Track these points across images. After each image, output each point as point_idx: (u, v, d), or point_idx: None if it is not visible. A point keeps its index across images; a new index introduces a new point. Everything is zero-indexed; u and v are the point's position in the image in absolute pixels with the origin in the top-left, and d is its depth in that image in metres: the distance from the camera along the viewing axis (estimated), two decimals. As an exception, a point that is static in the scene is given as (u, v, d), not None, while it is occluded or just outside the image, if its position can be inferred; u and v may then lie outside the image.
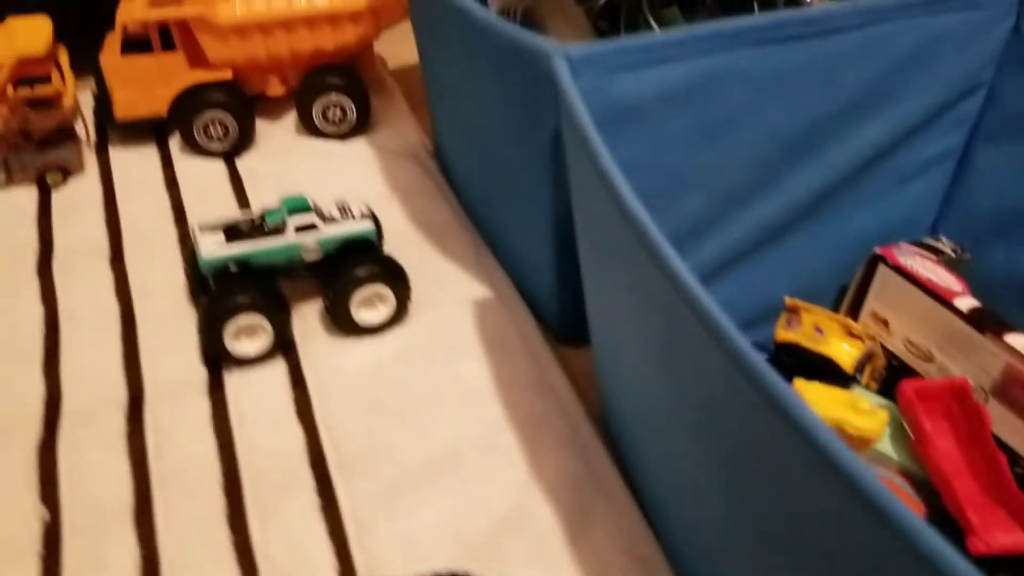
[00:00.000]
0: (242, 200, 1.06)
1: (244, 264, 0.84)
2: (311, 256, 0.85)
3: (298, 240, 0.84)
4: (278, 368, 0.85)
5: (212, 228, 0.84)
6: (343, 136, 1.15)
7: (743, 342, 0.43)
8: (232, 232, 0.84)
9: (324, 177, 1.09)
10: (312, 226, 0.84)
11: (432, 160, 1.13)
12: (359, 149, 1.14)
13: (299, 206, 0.85)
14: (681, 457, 0.58)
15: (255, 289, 0.82)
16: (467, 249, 0.98)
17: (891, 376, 0.76)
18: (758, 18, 0.66)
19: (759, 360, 0.42)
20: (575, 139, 0.59)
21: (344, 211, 0.87)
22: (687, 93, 0.66)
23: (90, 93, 1.21)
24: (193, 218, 1.03)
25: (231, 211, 1.04)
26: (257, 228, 0.85)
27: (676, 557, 0.68)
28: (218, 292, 0.81)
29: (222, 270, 0.83)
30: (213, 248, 0.82)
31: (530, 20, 0.82)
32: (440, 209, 1.04)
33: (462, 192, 1.05)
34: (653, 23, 0.80)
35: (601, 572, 0.68)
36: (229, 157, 1.12)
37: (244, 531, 0.71)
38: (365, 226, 0.86)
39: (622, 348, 0.63)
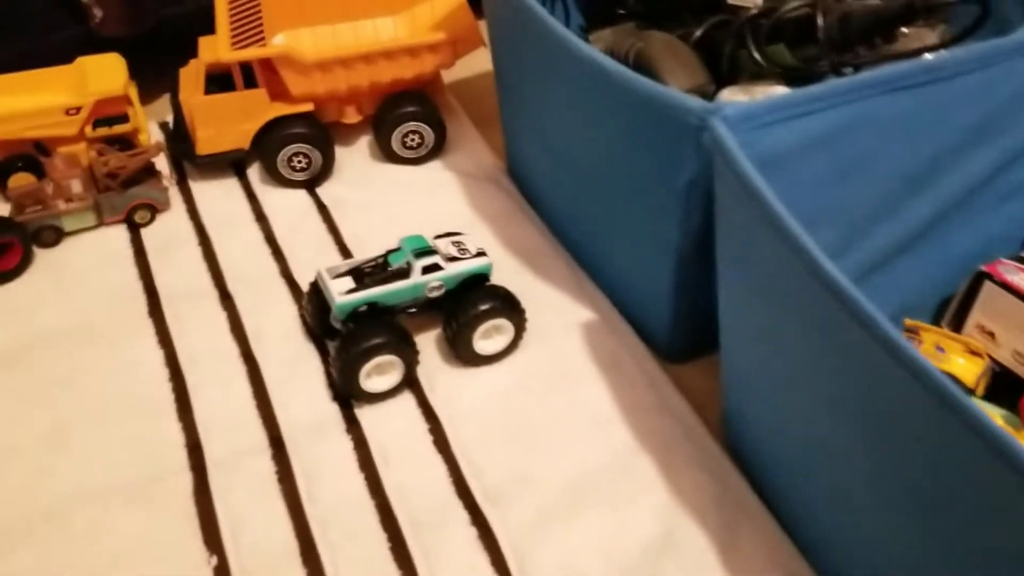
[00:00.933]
0: (332, 230, 1.08)
1: (372, 304, 0.87)
2: (434, 294, 0.89)
3: (424, 280, 0.87)
4: (407, 401, 0.88)
5: (339, 273, 0.87)
6: (419, 160, 1.18)
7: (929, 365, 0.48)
8: (358, 275, 0.87)
9: (410, 204, 1.11)
10: (437, 266, 0.88)
11: (508, 181, 1.16)
12: (437, 173, 1.17)
13: (422, 247, 0.88)
14: (847, 469, 0.62)
15: (389, 330, 0.85)
16: (564, 273, 1.02)
17: (995, 383, 0.82)
18: (888, 70, 0.70)
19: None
20: (736, 191, 0.63)
21: (459, 247, 0.91)
22: (823, 140, 0.70)
23: (159, 128, 1.23)
24: (288, 253, 1.05)
25: (322, 243, 1.06)
26: (381, 269, 0.88)
27: (821, 568, 0.73)
28: (353, 335, 0.84)
29: (353, 312, 0.86)
30: (345, 293, 0.85)
31: (641, 62, 0.85)
32: (529, 233, 1.07)
33: (546, 215, 1.08)
34: (761, 60, 0.83)
35: (755, 586, 0.73)
36: (310, 186, 1.15)
37: (411, 567, 0.75)
38: (484, 263, 0.90)
39: (775, 372, 0.68)
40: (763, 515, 0.77)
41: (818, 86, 0.68)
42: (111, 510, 0.79)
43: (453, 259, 0.89)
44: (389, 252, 0.89)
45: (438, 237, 0.92)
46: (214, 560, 0.75)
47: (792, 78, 0.84)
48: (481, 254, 0.91)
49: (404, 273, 0.87)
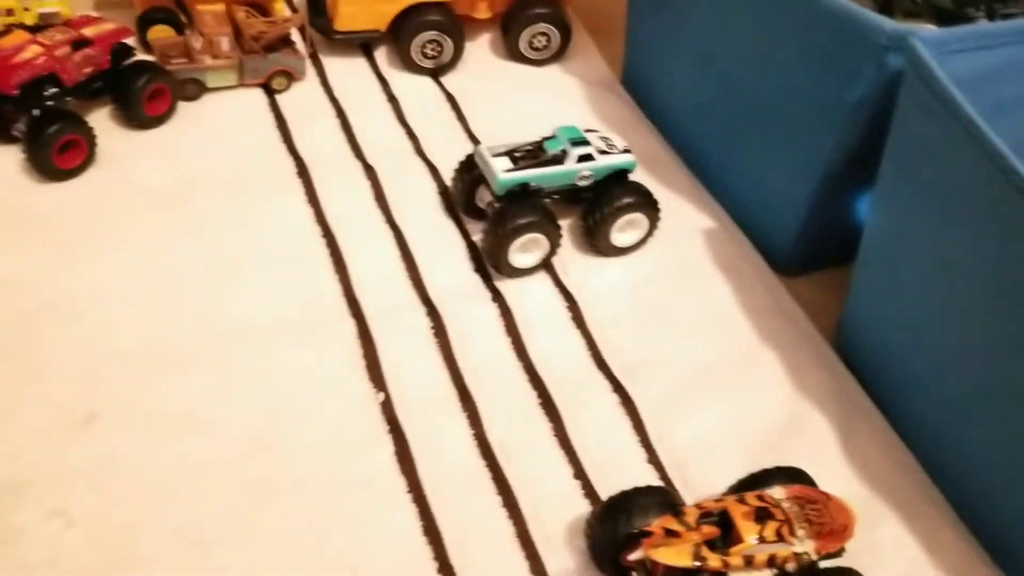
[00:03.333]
0: (460, 117, 1.13)
1: (524, 185, 0.92)
2: (583, 182, 0.95)
3: (577, 168, 0.93)
4: (544, 281, 0.95)
5: (497, 153, 0.93)
6: (541, 63, 1.22)
7: None
8: (515, 156, 0.93)
9: (532, 103, 1.16)
10: (590, 156, 0.93)
11: (623, 90, 1.21)
12: (556, 77, 1.22)
13: (578, 137, 0.94)
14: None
15: (540, 210, 0.91)
16: (683, 182, 1.08)
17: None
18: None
19: None
20: (930, 106, 0.70)
21: (607, 143, 0.96)
22: (996, 75, 0.76)
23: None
24: (420, 134, 1.10)
25: (452, 129, 1.11)
26: (537, 154, 0.93)
27: (932, 466, 0.81)
28: (509, 210, 0.90)
29: (510, 191, 0.92)
30: (506, 171, 0.91)
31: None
32: (648, 141, 1.13)
33: (665, 125, 1.14)
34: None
35: (869, 473, 0.81)
36: (434, 75, 1.19)
37: (559, 421, 0.82)
38: (630, 159, 0.96)
39: (932, 284, 0.75)
40: (875, 413, 0.85)
41: (1000, 24, 0.75)
42: (280, 344, 0.85)
43: (603, 152, 0.95)
44: (545, 138, 0.95)
45: (587, 131, 0.97)
46: (381, 396, 0.82)
47: (944, 19, 0.90)
48: (627, 151, 0.97)
49: (559, 159, 0.93)
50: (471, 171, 0.96)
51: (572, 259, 0.97)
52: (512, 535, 0.74)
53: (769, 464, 0.76)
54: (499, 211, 0.91)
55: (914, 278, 0.79)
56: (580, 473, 0.79)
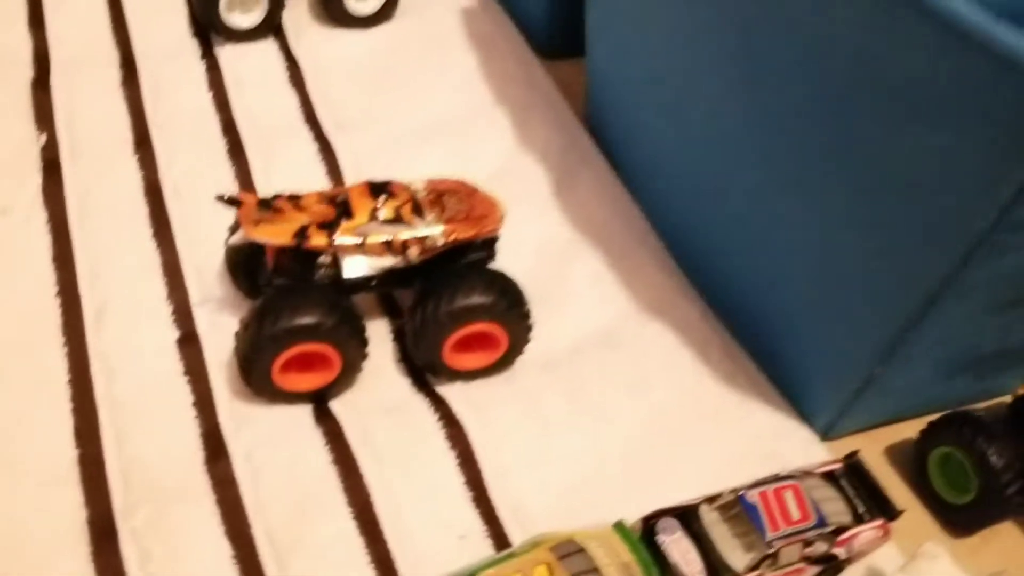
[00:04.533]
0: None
1: (240, -65, 0.84)
2: (309, -66, 0.86)
3: (298, -85, 0.85)
4: (270, 47, 0.86)
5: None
6: None
7: None
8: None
9: None
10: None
11: None
12: None
13: None
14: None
15: (252, -43, 0.83)
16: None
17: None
18: None
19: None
20: None
21: None
22: None
23: None
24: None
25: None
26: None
27: (654, 213, 0.74)
28: (216, -44, 0.82)
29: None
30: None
31: None
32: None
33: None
34: None
35: (582, 217, 0.74)
36: None
37: (245, 166, 0.74)
38: (362, -89, 0.88)
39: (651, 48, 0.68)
40: (604, 167, 0.78)
41: None
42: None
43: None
44: None
45: None
46: (43, 138, 0.74)
47: None
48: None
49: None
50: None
51: (308, 27, 0.89)
52: (158, 264, 0.66)
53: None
54: (208, -41, 0.83)
55: (623, 26, 0.71)
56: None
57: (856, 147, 0.49)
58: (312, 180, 0.74)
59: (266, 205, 0.56)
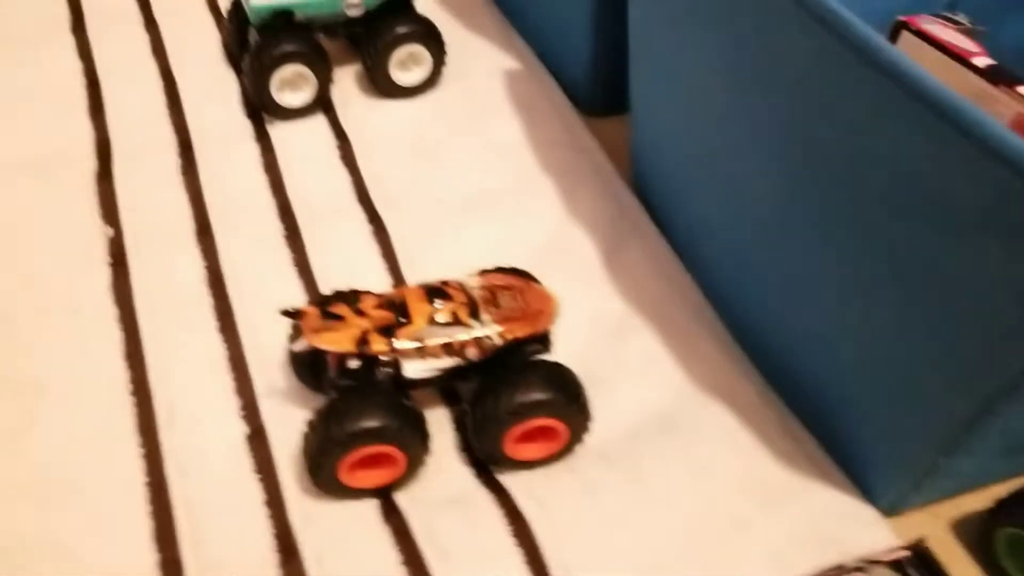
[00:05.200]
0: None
1: (287, 16, 0.86)
2: (353, 12, 0.88)
3: (343, -7, 0.87)
4: (320, 123, 0.88)
5: (257, -20, 0.87)
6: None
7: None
8: (276, -15, 0.86)
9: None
10: (356, -20, 0.87)
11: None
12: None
13: (343, -39, 0.87)
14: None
15: (301, 39, 0.85)
16: (492, 23, 1.01)
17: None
18: None
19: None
20: None
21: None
22: None
23: None
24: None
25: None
26: (301, -20, 0.87)
27: (708, 283, 0.75)
28: (264, 41, 0.84)
29: (267, 23, 0.85)
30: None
31: None
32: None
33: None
34: None
35: (634, 289, 0.75)
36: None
37: (302, 251, 0.76)
38: (406, -16, 0.89)
39: (681, 91, 0.68)
40: (655, 236, 0.79)
41: None
42: (10, 179, 0.79)
43: (374, -21, 0.89)
44: (311, -33, 0.88)
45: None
46: (110, 232, 0.76)
47: None
48: (405, -20, 0.90)
49: (323, -16, 0.87)
50: (240, 11, 0.90)
51: (355, 100, 0.91)
52: (224, 356, 0.68)
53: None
54: (257, 43, 0.85)
55: (664, 93, 0.72)
56: (314, 298, 0.73)
57: (908, 257, 0.49)
58: (366, 261, 0.76)
59: (327, 314, 0.58)
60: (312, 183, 0.82)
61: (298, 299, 0.73)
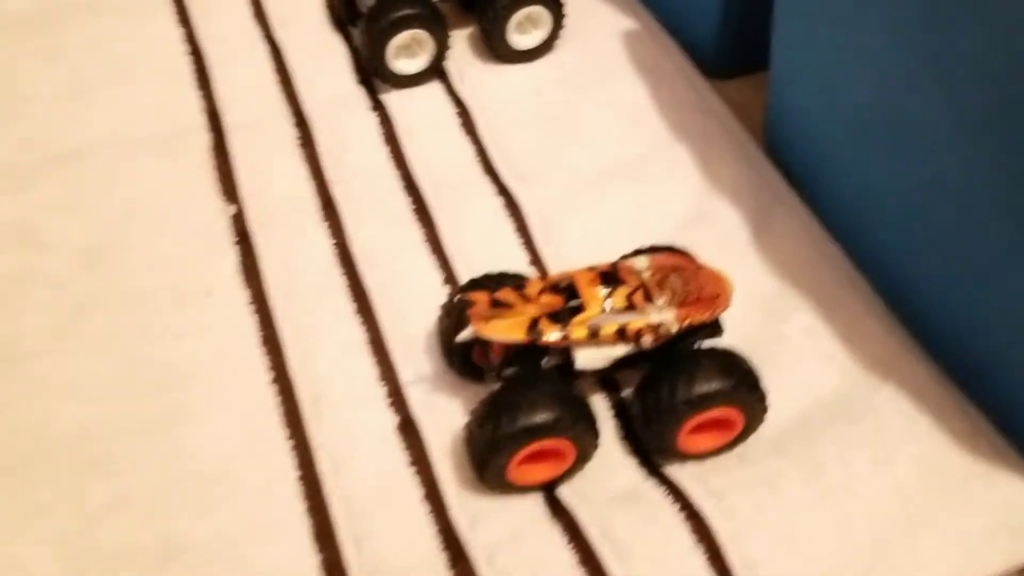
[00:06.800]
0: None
1: (401, -23, 0.82)
2: (469, -29, 0.84)
3: (460, -46, 0.82)
4: (435, 90, 0.85)
5: (368, -58, 0.82)
6: None
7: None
8: (390, -55, 0.82)
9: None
10: (474, -60, 0.82)
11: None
12: None
13: (460, -81, 0.82)
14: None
15: (418, 2, 0.80)
16: (606, -16, 0.96)
17: None
18: None
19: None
20: None
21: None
22: None
23: None
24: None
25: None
26: (415, -58, 0.82)
27: (859, 257, 0.70)
28: (380, 5, 0.80)
29: (382, -18, 0.81)
30: (375, -43, 0.80)
31: None
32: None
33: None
34: None
35: (784, 262, 0.70)
36: None
37: (431, 226, 0.73)
38: (525, -57, 0.84)
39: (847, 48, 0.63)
40: (798, 204, 0.74)
41: None
42: (129, 157, 0.77)
43: (488, -62, 0.84)
44: (424, -74, 0.84)
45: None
46: (233, 208, 0.74)
47: None
48: (521, -63, 0.85)
49: (439, -53, 0.82)
50: (349, -29, 0.86)
51: (471, 67, 0.86)
52: (364, 341, 0.66)
53: (669, 255, 0.66)
54: (373, 7, 0.81)
55: (824, 38, 0.67)
56: (451, 278, 0.69)
57: None
58: (501, 237, 0.72)
59: (495, 302, 0.54)
60: (434, 154, 0.79)
61: (434, 278, 0.70)
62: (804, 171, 0.76)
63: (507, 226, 0.73)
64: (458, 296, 0.55)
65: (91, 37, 0.87)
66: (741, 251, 0.71)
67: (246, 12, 0.91)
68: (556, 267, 0.70)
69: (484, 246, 0.72)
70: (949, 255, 0.61)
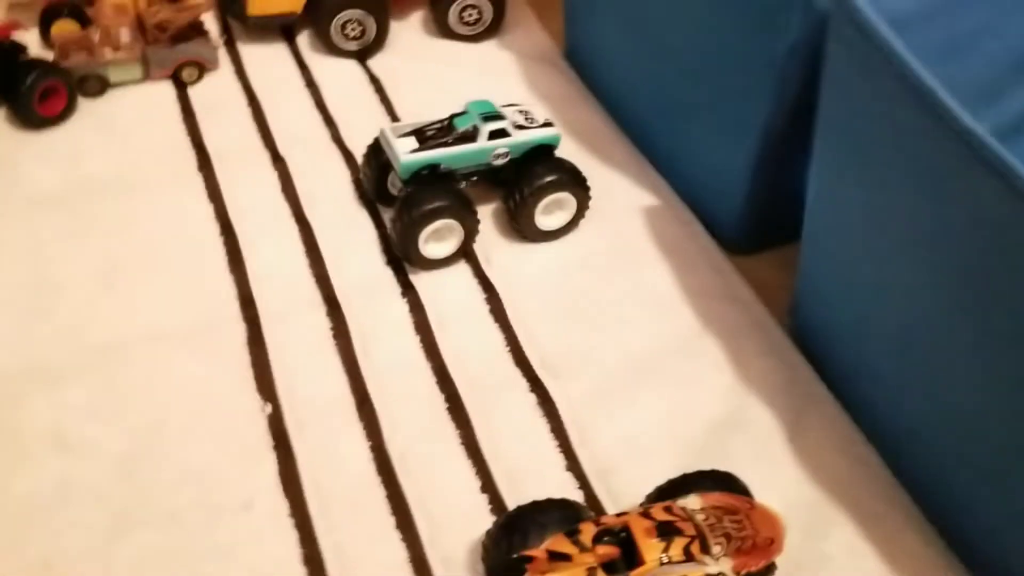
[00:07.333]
0: (384, 101, 1.04)
1: (433, 167, 0.83)
2: (499, 161, 0.85)
3: (490, 145, 0.84)
4: (463, 272, 0.86)
5: (403, 133, 0.84)
6: (475, 38, 1.13)
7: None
8: (422, 136, 0.84)
9: (465, 82, 1.06)
10: (504, 132, 0.84)
11: (566, 64, 1.12)
12: (492, 52, 1.13)
13: (490, 112, 0.85)
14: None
15: (451, 194, 0.82)
16: (626, 157, 0.98)
17: None
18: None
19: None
20: (862, 50, 0.60)
21: (527, 116, 0.87)
22: (940, 9, 0.66)
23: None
24: (340, 120, 1.01)
25: (374, 114, 1.03)
26: (446, 132, 0.84)
27: (894, 462, 0.71)
28: (415, 196, 0.81)
29: (415, 174, 0.83)
30: (410, 152, 0.82)
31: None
32: (590, 116, 1.03)
33: (610, 99, 1.04)
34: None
35: (821, 470, 0.71)
36: (361, 57, 1.10)
37: (468, 427, 0.73)
38: (552, 133, 0.87)
39: (875, 247, 0.65)
40: (831, 403, 0.75)
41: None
42: (164, 353, 0.77)
43: (520, 127, 0.86)
44: (454, 115, 0.86)
45: (505, 106, 0.88)
46: (268, 408, 0.74)
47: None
48: (548, 124, 0.87)
49: (470, 137, 0.84)
50: (379, 156, 0.87)
51: (496, 247, 0.88)
52: (405, 560, 0.65)
53: (706, 467, 0.66)
54: (405, 197, 0.82)
55: (857, 249, 0.69)
56: (488, 486, 0.69)
57: None
58: (537, 441, 0.73)
59: (553, 554, 0.54)
60: (465, 344, 0.79)
61: (472, 486, 0.69)
62: (835, 367, 0.77)
63: (542, 427, 0.74)
64: (520, 554, 0.55)
65: (122, 216, 0.88)
66: (776, 459, 0.72)
67: (273, 184, 0.93)
68: (594, 472, 0.71)
69: (520, 450, 0.72)
70: (995, 482, 0.62)
